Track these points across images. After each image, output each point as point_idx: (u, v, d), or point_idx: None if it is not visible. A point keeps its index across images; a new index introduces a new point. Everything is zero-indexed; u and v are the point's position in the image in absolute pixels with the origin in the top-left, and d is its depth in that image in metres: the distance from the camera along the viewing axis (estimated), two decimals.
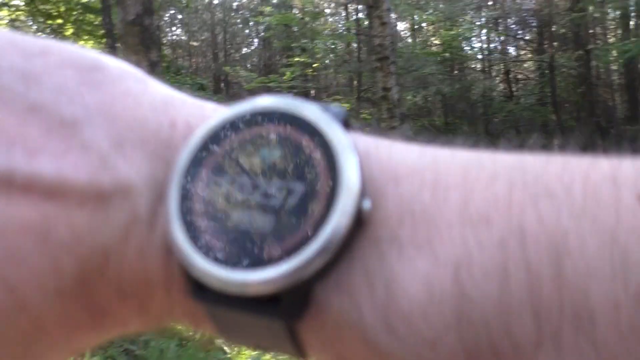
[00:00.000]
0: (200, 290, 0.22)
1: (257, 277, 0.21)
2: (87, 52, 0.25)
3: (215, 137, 0.24)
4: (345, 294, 0.21)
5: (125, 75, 0.25)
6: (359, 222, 0.21)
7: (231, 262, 0.22)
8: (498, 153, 0.23)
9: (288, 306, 0.21)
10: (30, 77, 0.23)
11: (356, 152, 0.22)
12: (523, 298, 0.18)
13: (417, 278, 0.20)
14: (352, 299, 0.20)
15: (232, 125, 0.24)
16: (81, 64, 0.24)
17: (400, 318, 0.20)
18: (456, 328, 0.19)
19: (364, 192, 0.22)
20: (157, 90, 0.25)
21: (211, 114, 0.25)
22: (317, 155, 0.22)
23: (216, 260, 0.22)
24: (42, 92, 0.23)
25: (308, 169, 0.22)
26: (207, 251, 0.22)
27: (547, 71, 13.75)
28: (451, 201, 0.21)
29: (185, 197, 0.23)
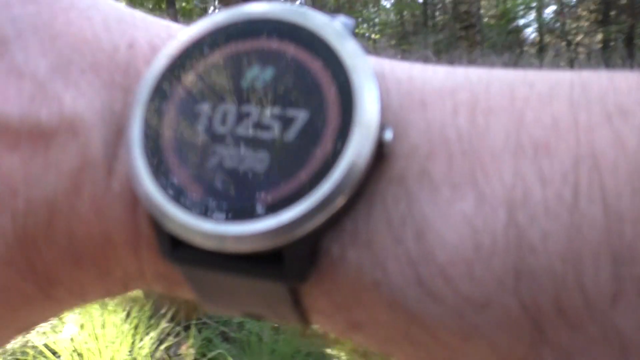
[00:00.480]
0: (175, 247, 0.18)
1: (249, 229, 0.17)
2: None
3: (188, 55, 0.19)
4: (363, 246, 0.17)
5: None
6: (378, 156, 0.17)
7: (214, 211, 0.17)
8: (548, 71, 0.18)
9: (291, 265, 0.17)
10: None
11: (373, 71, 0.17)
12: (600, 241, 0.15)
13: (457, 224, 0.16)
14: (373, 252, 0.17)
15: (211, 39, 0.19)
16: None
17: (437, 276, 0.16)
18: (513, 285, 0.16)
19: (383, 119, 0.17)
20: (110, 5, 0.21)
21: (181, 33, 0.20)
22: (324, 74, 0.18)
23: (194, 209, 0.17)
24: None
25: (312, 92, 0.17)
26: (182, 198, 0.17)
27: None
28: (496, 127, 0.17)
29: (152, 131, 0.18)
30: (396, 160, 0.17)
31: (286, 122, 0.17)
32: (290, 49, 0.18)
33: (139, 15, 0.21)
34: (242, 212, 0.17)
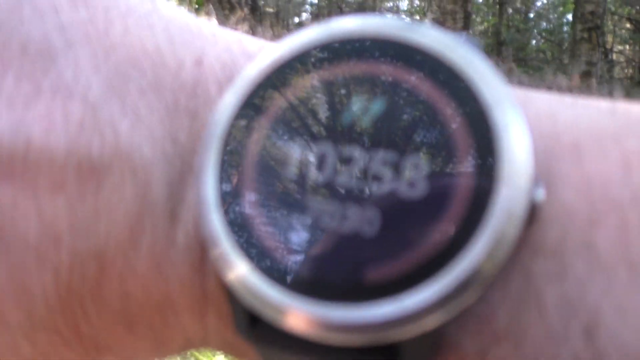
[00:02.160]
0: (255, 322, 0.14)
1: (359, 317, 0.13)
2: None
3: (274, 80, 0.15)
4: (510, 344, 0.13)
5: None
6: (527, 221, 0.13)
7: (310, 287, 0.13)
8: None
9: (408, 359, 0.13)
10: None
11: (521, 110, 0.13)
12: None
13: None
14: (520, 351, 0.13)
15: (303, 60, 0.15)
16: None
17: None
18: None
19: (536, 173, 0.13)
20: (172, 13, 0.17)
21: (257, 48, 0.17)
22: (452, 109, 0.13)
23: (284, 283, 0.13)
24: None
25: (436, 133, 0.13)
26: (268, 268, 0.14)
27: None
28: None
29: (231, 173, 0.15)
30: (548, 227, 0.13)
31: (403, 172, 0.13)
32: (406, 76, 0.14)
33: (205, 24, 0.17)
34: (346, 290, 0.13)
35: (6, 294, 0.14)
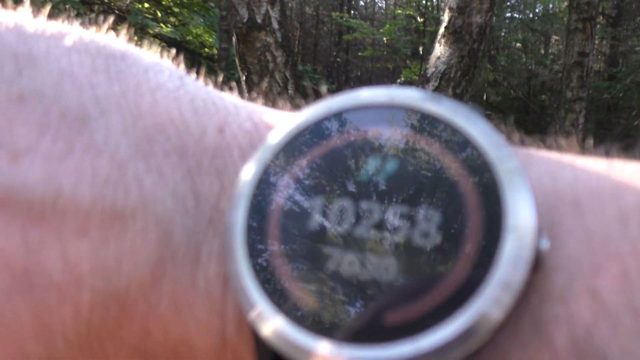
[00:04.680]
0: None
1: (380, 356, 0.13)
2: (109, 38, 0.19)
3: (298, 143, 0.17)
4: None
5: (156, 67, 0.19)
6: (533, 269, 0.14)
7: (332, 330, 0.14)
8: None
9: None
10: (23, 59, 0.17)
11: (523, 167, 0.15)
12: None
13: None
14: None
15: (324, 126, 0.17)
16: (98, 49, 0.18)
17: None
18: None
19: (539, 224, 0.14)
20: (199, 88, 0.19)
21: (276, 117, 0.19)
22: (461, 168, 0.15)
23: (308, 325, 0.14)
24: (38, 77, 0.17)
25: (447, 190, 0.15)
26: (292, 310, 0.15)
27: None
28: None
29: (257, 229, 0.16)
30: (554, 275, 0.14)
31: (416, 223, 0.15)
32: (417, 139, 0.16)
33: (228, 98, 0.19)
34: (366, 333, 0.14)
35: (28, 329, 0.15)
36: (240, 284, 0.15)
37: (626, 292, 0.14)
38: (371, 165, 0.16)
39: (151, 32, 7.29)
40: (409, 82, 7.08)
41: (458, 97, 2.38)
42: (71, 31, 0.19)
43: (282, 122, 0.18)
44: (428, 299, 0.14)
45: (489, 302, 0.13)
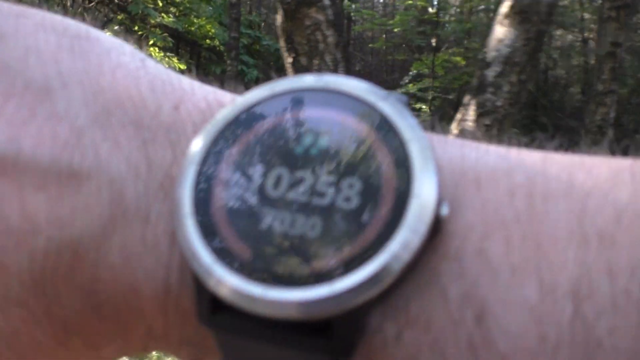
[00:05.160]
0: (214, 313, 0.17)
1: (300, 296, 0.16)
2: (75, 21, 0.21)
3: (244, 119, 0.19)
4: (421, 328, 0.16)
5: (119, 48, 0.21)
6: (433, 232, 0.17)
7: (263, 275, 0.17)
8: (605, 157, 0.18)
9: (339, 338, 0.16)
10: None
11: (431, 146, 0.17)
12: None
13: (519, 312, 0.16)
14: (432, 334, 0.16)
15: (267, 106, 0.19)
16: (64, 29, 0.20)
17: None
18: None
19: (440, 194, 0.17)
20: (158, 70, 0.21)
21: (229, 98, 0.21)
22: (380, 145, 0.18)
23: (242, 272, 0.17)
24: (6, 51, 0.19)
25: (367, 163, 0.18)
26: (230, 260, 0.17)
27: None
28: (557, 213, 0.16)
29: (203, 189, 0.18)
30: (451, 238, 0.17)
31: (340, 190, 0.17)
32: (346, 120, 0.18)
33: (185, 80, 0.21)
34: (292, 278, 0.16)
35: None
36: (186, 239, 0.17)
37: (507, 252, 0.16)
38: (306, 140, 0.18)
39: (152, 21, 6.99)
40: (420, 75, 6.86)
41: (522, 83, 2.16)
42: (39, 13, 0.20)
43: (231, 101, 0.20)
44: (345, 252, 0.16)
45: (392, 255, 0.16)
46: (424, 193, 0.16)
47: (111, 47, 0.20)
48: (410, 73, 6.88)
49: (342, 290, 0.16)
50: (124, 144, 0.18)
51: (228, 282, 0.17)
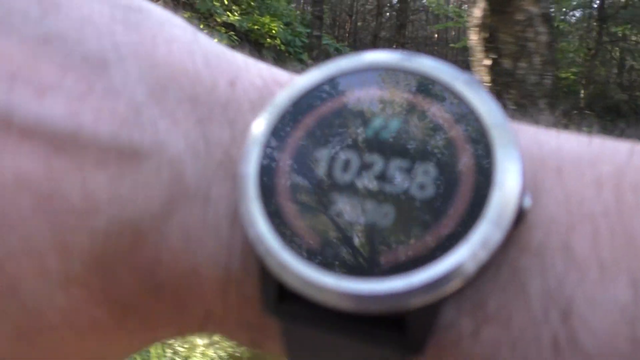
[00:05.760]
0: (281, 300, 0.17)
1: (374, 288, 0.15)
2: None
3: (309, 98, 0.18)
4: (495, 323, 0.15)
5: (172, 21, 0.20)
6: (515, 224, 0.15)
7: (334, 265, 0.16)
8: None
9: (413, 333, 0.16)
10: (48, 3, 0.18)
11: (515, 133, 0.16)
12: None
13: (609, 312, 0.15)
14: (508, 332, 0.15)
15: (334, 84, 0.18)
16: (116, 0, 0.19)
17: None
18: None
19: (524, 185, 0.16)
20: (211, 44, 0.20)
21: (286, 76, 0.20)
22: (458, 130, 0.16)
23: (312, 260, 0.16)
24: (62, 21, 0.18)
25: (444, 147, 0.16)
26: (298, 247, 0.16)
27: None
28: None
29: (268, 172, 0.17)
30: (533, 231, 0.16)
31: (414, 177, 0.16)
32: (420, 102, 0.17)
33: (239, 55, 0.20)
34: (365, 268, 0.16)
35: (48, 247, 0.16)
36: (251, 223, 0.17)
37: (595, 248, 0.15)
38: (376, 122, 0.17)
39: (218, 20, 6.74)
40: None
41: None
42: None
43: (293, 79, 0.19)
44: (421, 242, 0.15)
45: (474, 249, 0.15)
46: (507, 183, 0.15)
47: (164, 20, 0.20)
48: None
49: (419, 285, 0.15)
50: (182, 121, 0.18)
51: (297, 270, 0.16)
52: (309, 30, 8.65)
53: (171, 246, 0.17)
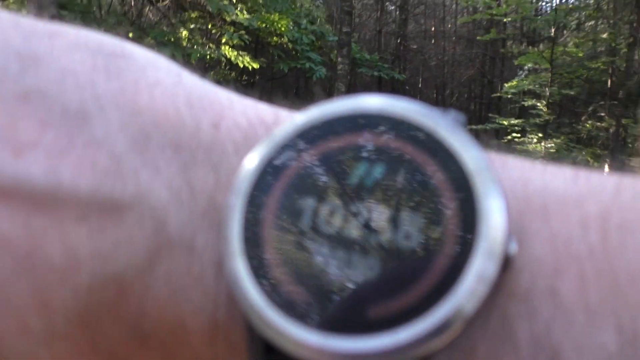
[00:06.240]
0: (269, 352, 0.16)
1: (361, 346, 0.15)
2: (109, 38, 0.20)
3: (291, 145, 0.18)
4: None
5: (155, 64, 0.20)
6: (502, 267, 0.15)
7: (319, 321, 0.16)
8: None
9: None
10: (28, 59, 0.18)
11: (498, 178, 0.16)
12: None
13: None
14: None
15: (319, 130, 0.18)
16: (98, 48, 0.19)
17: None
18: None
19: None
20: (195, 84, 0.20)
21: (271, 113, 0.20)
22: (441, 176, 0.16)
23: (296, 316, 0.16)
24: (42, 76, 0.18)
25: (428, 196, 0.16)
26: (284, 304, 0.16)
27: None
28: (635, 248, 0.15)
29: (252, 224, 0.17)
30: (520, 275, 0.16)
31: (399, 226, 0.16)
32: (404, 147, 0.17)
33: (223, 94, 0.20)
34: (350, 324, 0.15)
35: (29, 307, 0.16)
36: (235, 279, 0.16)
37: (582, 291, 0.15)
38: (359, 170, 0.17)
39: (227, 19, 6.53)
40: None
41: None
42: (73, 30, 0.19)
43: (284, 121, 0.19)
44: (408, 295, 0.15)
45: (462, 301, 0.15)
46: (492, 231, 0.15)
47: (146, 64, 0.19)
48: (526, 67, 6.32)
49: (407, 341, 0.15)
50: (164, 168, 0.18)
51: (281, 329, 0.16)
52: (315, 28, 8.41)
53: (156, 297, 0.17)
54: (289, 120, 0.18)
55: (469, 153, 0.16)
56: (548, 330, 0.15)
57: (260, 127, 0.19)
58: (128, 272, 0.17)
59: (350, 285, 0.15)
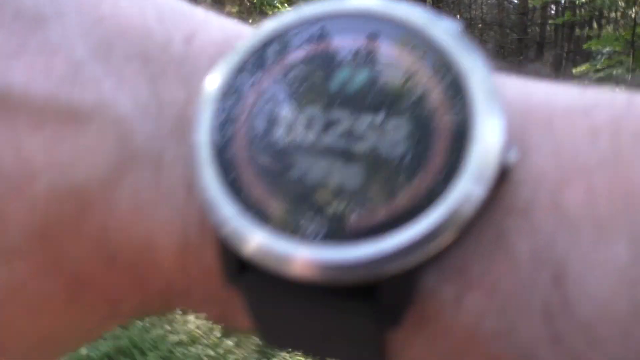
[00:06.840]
0: (243, 271, 0.15)
1: (342, 256, 0.14)
2: None
3: (267, 50, 0.16)
4: (480, 290, 0.14)
5: None
6: (498, 181, 0.14)
7: (295, 232, 0.15)
8: None
9: (387, 303, 0.14)
10: None
11: (495, 81, 0.15)
12: None
13: (607, 275, 0.13)
14: (494, 298, 0.14)
15: (294, 35, 0.17)
16: None
17: (580, 335, 0.14)
18: None
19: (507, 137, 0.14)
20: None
21: (249, 31, 0.18)
22: (432, 78, 0.15)
23: (272, 227, 0.15)
24: None
25: (416, 99, 0.15)
26: (256, 214, 0.15)
27: None
28: None
29: (223, 132, 0.16)
30: (519, 188, 0.14)
31: (384, 133, 0.15)
32: (390, 50, 0.15)
33: (199, 10, 0.19)
34: (331, 234, 0.14)
35: None
36: (205, 189, 0.15)
37: (590, 204, 0.14)
38: (341, 75, 0.16)
39: (269, 12, 6.11)
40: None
41: None
42: None
43: (251, 31, 0.17)
44: (394, 205, 0.14)
45: (449, 210, 0.13)
46: (488, 135, 0.14)
47: None
48: (605, 50, 5.69)
49: (390, 251, 0.14)
50: (130, 79, 0.16)
51: (254, 239, 0.15)
52: None
53: (121, 213, 0.16)
54: (263, 27, 0.17)
55: (466, 58, 0.14)
56: (551, 247, 0.14)
57: (238, 42, 0.17)
58: (89, 185, 0.16)
59: (332, 195, 0.14)
